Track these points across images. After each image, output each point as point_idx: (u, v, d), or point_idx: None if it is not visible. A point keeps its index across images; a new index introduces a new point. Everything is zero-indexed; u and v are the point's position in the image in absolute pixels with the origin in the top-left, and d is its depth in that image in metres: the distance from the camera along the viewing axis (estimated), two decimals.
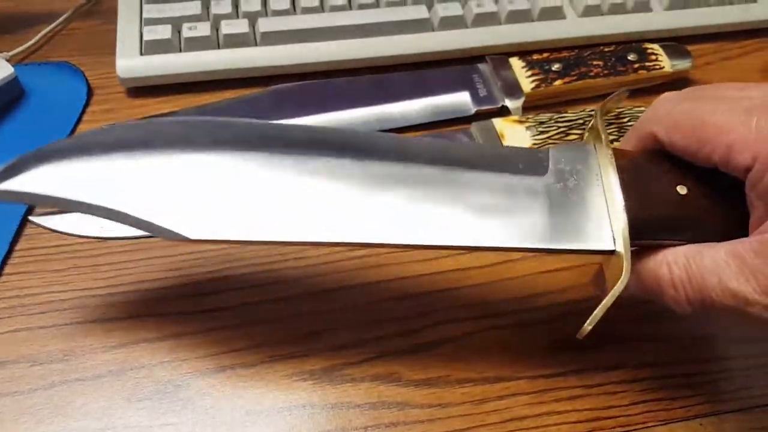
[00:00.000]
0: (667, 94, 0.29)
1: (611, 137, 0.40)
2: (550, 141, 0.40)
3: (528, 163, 0.29)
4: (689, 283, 0.26)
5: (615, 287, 0.27)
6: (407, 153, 0.29)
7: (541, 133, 0.40)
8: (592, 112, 0.41)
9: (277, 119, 0.43)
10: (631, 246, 0.27)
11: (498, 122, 0.42)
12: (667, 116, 0.28)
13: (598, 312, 0.27)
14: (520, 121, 0.41)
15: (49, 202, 0.28)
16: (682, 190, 0.28)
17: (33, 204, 0.29)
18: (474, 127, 0.42)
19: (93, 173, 0.28)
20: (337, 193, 0.28)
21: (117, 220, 0.27)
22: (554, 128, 0.40)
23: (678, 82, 0.47)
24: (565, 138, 0.40)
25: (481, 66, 0.46)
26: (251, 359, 0.33)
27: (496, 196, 0.28)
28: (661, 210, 0.28)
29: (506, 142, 0.40)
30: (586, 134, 0.32)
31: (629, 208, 0.27)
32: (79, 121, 0.43)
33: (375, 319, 0.35)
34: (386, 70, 0.46)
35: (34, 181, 0.28)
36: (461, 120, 0.44)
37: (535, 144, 0.40)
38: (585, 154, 0.29)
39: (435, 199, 0.28)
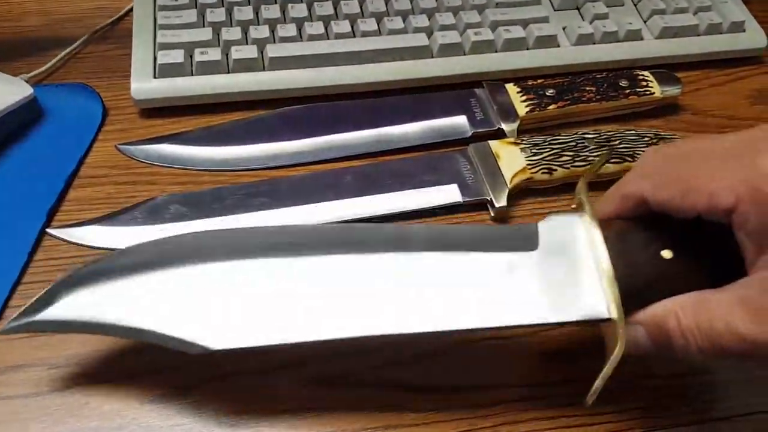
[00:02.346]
0: (647, 154, 0.31)
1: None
2: (544, 161, 0.42)
3: (518, 239, 0.31)
4: (698, 332, 0.27)
5: (613, 356, 0.28)
6: (405, 241, 0.31)
7: (535, 154, 0.42)
8: (585, 135, 0.44)
9: (283, 139, 0.45)
10: (625, 312, 0.28)
11: (494, 144, 0.44)
12: (652, 175, 0.30)
13: (599, 383, 0.29)
14: (515, 143, 0.43)
15: (78, 328, 0.30)
16: (666, 254, 0.29)
17: (65, 332, 0.31)
18: (471, 149, 0.44)
19: (114, 297, 0.30)
20: (344, 290, 0.30)
21: (138, 338, 0.29)
22: (547, 150, 0.42)
23: (668, 107, 0.49)
24: (558, 159, 0.42)
25: (478, 91, 0.48)
26: (257, 366, 0.35)
27: (491, 276, 0.30)
28: (649, 276, 0.29)
29: (501, 163, 0.42)
30: (575, 201, 0.33)
31: (619, 278, 0.29)
32: (94, 139, 0.45)
33: None
34: (388, 94, 0.49)
35: (60, 312, 0.30)
36: (459, 142, 0.46)
37: (529, 164, 0.42)
38: (572, 226, 0.31)
39: (432, 284, 0.30)
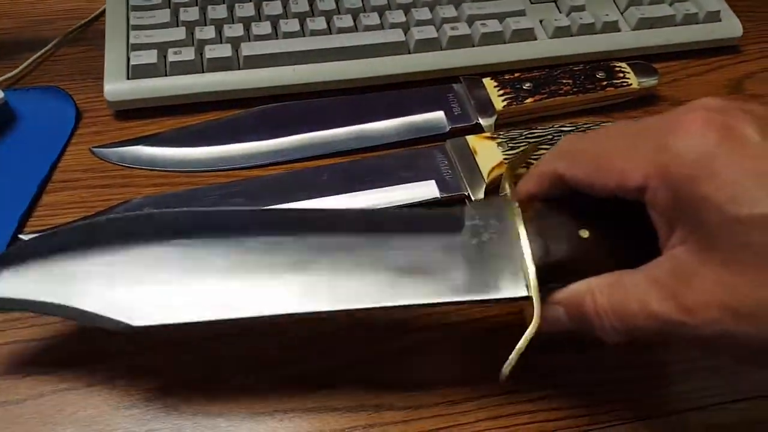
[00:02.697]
0: (568, 136, 0.31)
1: None
2: None
3: (445, 221, 0.32)
4: (612, 312, 0.27)
5: (527, 332, 0.29)
6: (335, 224, 0.32)
7: (512, 148, 0.42)
8: (561, 128, 0.43)
9: (259, 139, 0.45)
10: (543, 290, 0.29)
11: (471, 139, 0.43)
12: (567, 154, 0.30)
13: (513, 356, 0.29)
14: (492, 138, 0.43)
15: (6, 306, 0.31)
16: (584, 233, 0.30)
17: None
18: (448, 144, 0.44)
19: (39, 275, 0.31)
20: (272, 269, 0.31)
21: (67, 316, 0.31)
22: (524, 143, 0.42)
23: (646, 98, 0.49)
24: (535, 153, 0.42)
25: (456, 86, 0.48)
26: (234, 367, 0.34)
27: (416, 256, 0.31)
28: (566, 255, 0.30)
29: (479, 158, 0.42)
30: (501, 186, 0.34)
31: (537, 257, 0.30)
32: (67, 143, 0.45)
33: (352, 327, 0.36)
34: (365, 91, 0.48)
35: None
36: (437, 137, 0.45)
37: (506, 158, 0.42)
38: (497, 208, 0.32)
39: (359, 264, 0.31)
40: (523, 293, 0.30)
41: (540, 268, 0.29)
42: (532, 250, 0.30)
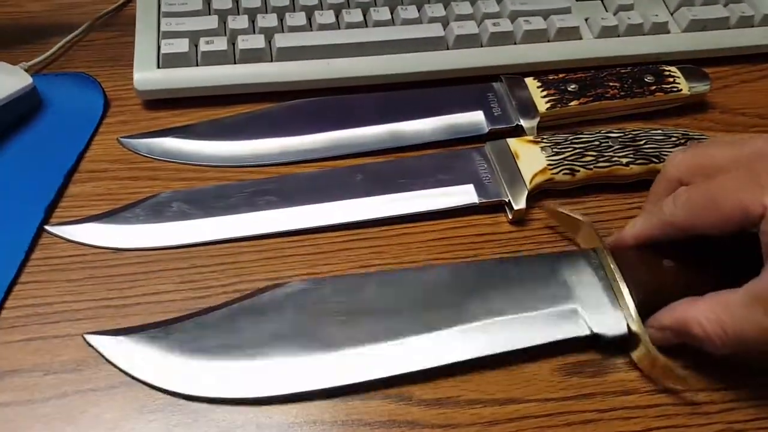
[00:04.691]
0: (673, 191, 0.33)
1: (627, 159, 0.40)
2: (566, 161, 0.40)
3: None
4: (726, 335, 0.30)
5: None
6: None
7: (556, 153, 0.40)
8: (609, 134, 0.41)
9: (291, 134, 0.43)
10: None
11: (512, 142, 0.42)
12: (684, 205, 0.32)
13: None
14: (535, 141, 0.41)
15: None
16: (668, 263, 0.34)
17: None
18: (488, 146, 0.42)
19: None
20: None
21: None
22: (569, 149, 0.40)
23: (695, 104, 0.47)
24: (581, 159, 0.40)
25: (496, 85, 0.46)
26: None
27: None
28: (656, 286, 0.33)
29: (520, 162, 0.40)
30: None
31: (634, 296, 0.33)
32: (95, 132, 0.43)
33: None
34: (401, 87, 0.47)
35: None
36: (475, 138, 0.44)
37: (550, 164, 0.40)
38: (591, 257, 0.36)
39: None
40: (624, 331, 0.33)
41: (638, 306, 0.33)
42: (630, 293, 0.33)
